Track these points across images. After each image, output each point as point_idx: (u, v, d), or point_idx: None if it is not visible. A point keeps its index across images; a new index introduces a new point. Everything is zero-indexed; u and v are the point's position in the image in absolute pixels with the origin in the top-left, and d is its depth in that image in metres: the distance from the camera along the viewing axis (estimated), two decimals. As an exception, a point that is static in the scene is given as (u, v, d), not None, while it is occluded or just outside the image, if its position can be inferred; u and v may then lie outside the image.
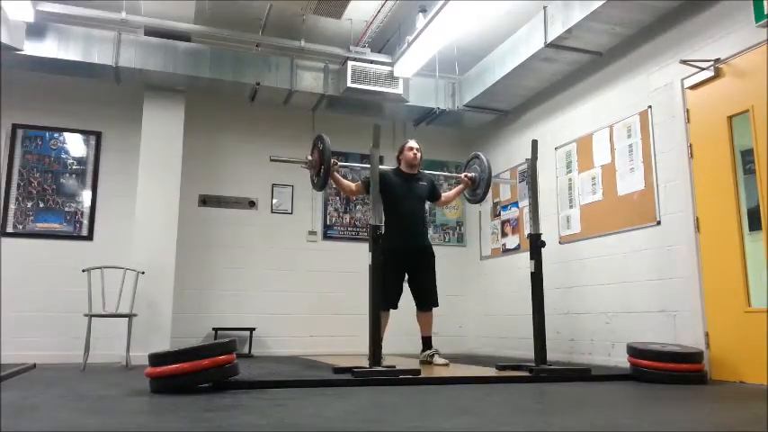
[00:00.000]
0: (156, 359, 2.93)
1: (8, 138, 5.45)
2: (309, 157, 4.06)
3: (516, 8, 4.92)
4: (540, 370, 3.75)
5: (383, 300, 3.81)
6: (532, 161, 4.27)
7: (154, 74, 5.21)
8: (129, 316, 4.67)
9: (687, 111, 3.95)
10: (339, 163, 4.18)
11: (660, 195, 4.13)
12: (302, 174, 6.28)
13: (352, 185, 4.46)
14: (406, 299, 4.46)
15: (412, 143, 4.53)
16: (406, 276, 4.45)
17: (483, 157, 4.55)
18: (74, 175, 5.61)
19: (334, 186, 4.55)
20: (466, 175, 4.61)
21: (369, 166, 3.98)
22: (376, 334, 3.63)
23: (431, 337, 4.50)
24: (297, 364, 4.61)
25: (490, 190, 6.39)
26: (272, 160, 4.28)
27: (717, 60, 3.72)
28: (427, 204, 4.83)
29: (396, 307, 4.32)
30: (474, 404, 2.64)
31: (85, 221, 5.56)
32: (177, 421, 2.08)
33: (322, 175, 3.95)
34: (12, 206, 5.39)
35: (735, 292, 3.52)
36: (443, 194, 4.74)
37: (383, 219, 3.87)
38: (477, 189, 4.58)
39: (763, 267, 3.36)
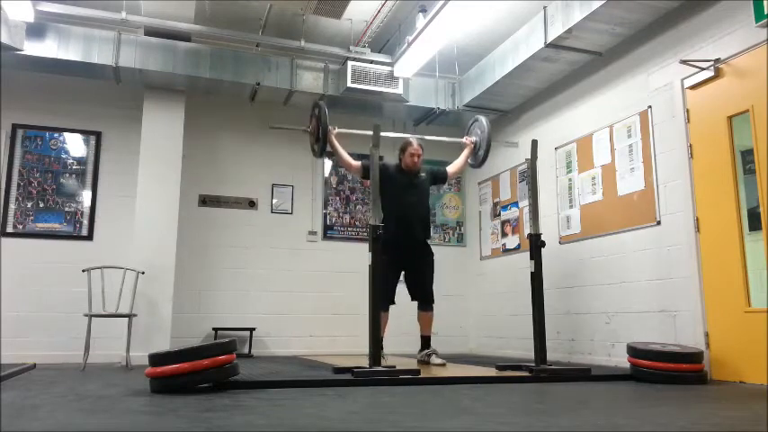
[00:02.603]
0: (156, 359, 2.93)
1: (8, 138, 5.45)
2: (309, 127, 4.16)
3: (516, 8, 4.92)
4: (540, 370, 3.75)
5: (382, 300, 3.82)
6: (532, 161, 4.27)
7: (154, 74, 5.21)
8: (129, 316, 4.67)
9: (687, 111, 3.95)
10: (337, 129, 4.19)
11: (660, 195, 4.13)
12: (302, 174, 6.34)
13: (352, 161, 4.37)
14: (406, 299, 4.46)
15: (414, 148, 4.46)
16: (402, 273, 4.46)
17: (482, 119, 4.63)
18: (74, 175, 5.61)
19: (335, 157, 4.49)
20: (468, 139, 4.68)
21: (371, 132, 3.92)
22: (376, 334, 3.64)
23: (430, 337, 4.50)
24: (297, 364, 4.62)
25: (490, 189, 6.44)
26: (271, 127, 4.37)
27: (717, 60, 3.72)
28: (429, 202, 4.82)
29: (393, 302, 4.32)
30: (474, 404, 2.64)
31: (85, 221, 5.56)
32: (177, 421, 2.08)
33: (321, 139, 4.03)
34: (12, 206, 5.39)
35: (735, 292, 3.52)
36: (450, 168, 4.72)
37: (383, 216, 3.88)
38: (479, 151, 4.65)
39: (763, 267, 3.36)
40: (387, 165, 4.43)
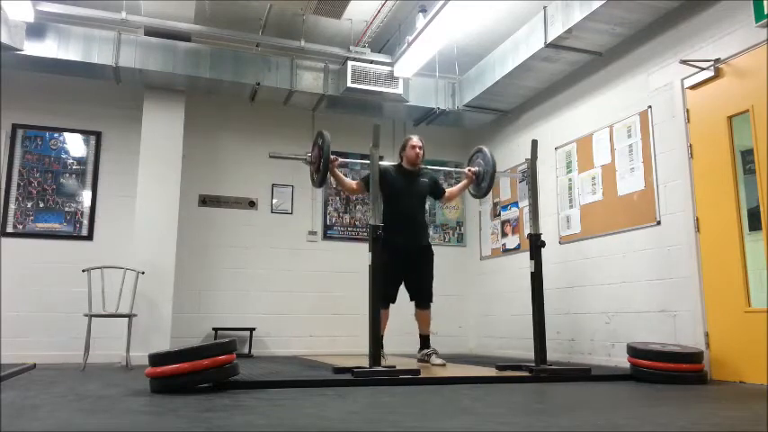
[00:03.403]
0: (156, 359, 2.93)
1: (8, 138, 5.46)
2: (309, 154, 4.10)
3: (516, 8, 4.92)
4: (540, 370, 3.75)
5: (382, 297, 3.82)
6: (532, 161, 4.27)
7: (154, 74, 5.21)
8: (129, 316, 4.67)
9: (687, 111, 3.95)
10: (339, 159, 4.19)
11: (660, 195, 4.13)
12: (302, 174, 6.31)
13: (353, 184, 4.44)
14: (406, 300, 4.46)
15: (415, 140, 4.45)
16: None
17: (486, 150, 4.52)
18: (74, 175, 5.61)
19: (335, 185, 4.52)
20: (470, 170, 4.58)
21: (369, 162, 3.97)
22: (376, 334, 3.63)
23: (429, 336, 4.49)
24: (297, 364, 4.61)
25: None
26: (271, 156, 4.32)
27: (717, 60, 3.72)
28: (428, 204, 4.81)
29: (394, 301, 4.32)
30: (474, 404, 2.64)
31: (85, 221, 5.56)
32: (177, 421, 2.08)
33: (321, 170, 3.99)
34: (12, 206, 5.39)
35: (735, 292, 3.52)
36: (447, 191, 4.68)
37: (383, 219, 3.87)
38: (482, 183, 4.54)
39: (763, 267, 3.36)
40: (386, 168, 4.38)
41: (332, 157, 3.99)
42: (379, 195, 3.88)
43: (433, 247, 4.55)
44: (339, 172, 4.28)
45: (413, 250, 4.38)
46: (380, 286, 3.72)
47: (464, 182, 4.65)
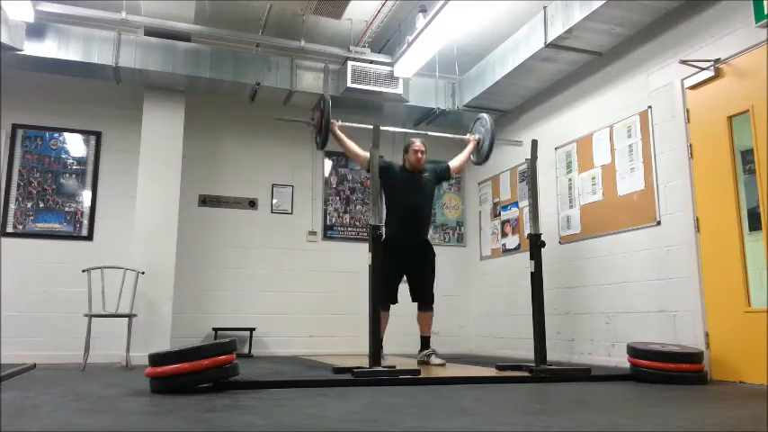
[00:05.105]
0: (156, 359, 2.93)
1: (8, 138, 5.45)
2: (314, 119, 4.26)
3: (516, 8, 4.92)
4: (539, 370, 3.75)
5: (383, 299, 3.82)
6: (532, 161, 4.27)
7: (154, 74, 5.21)
8: (129, 316, 4.67)
9: (687, 111, 3.95)
10: (340, 121, 4.27)
11: (660, 195, 4.13)
12: (302, 174, 6.33)
13: (359, 151, 4.34)
14: (406, 300, 4.46)
15: (417, 144, 4.48)
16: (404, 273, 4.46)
17: (485, 116, 4.65)
18: (74, 175, 5.61)
19: (341, 147, 4.42)
20: (471, 136, 4.69)
21: (372, 126, 3.99)
22: (376, 334, 3.64)
23: (429, 338, 4.50)
24: (297, 364, 4.61)
25: (490, 189, 6.44)
26: (275, 119, 4.47)
27: (717, 60, 3.72)
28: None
29: (395, 301, 4.32)
30: (474, 404, 2.64)
31: (85, 221, 5.55)
32: (177, 421, 2.08)
33: (323, 132, 4.11)
34: (12, 206, 5.39)
35: (735, 292, 3.52)
36: (452, 164, 4.69)
37: (383, 218, 3.89)
38: (483, 147, 4.65)
39: (763, 267, 3.36)
40: (392, 163, 4.49)
41: (332, 119, 4.13)
42: (380, 195, 3.90)
43: (433, 247, 4.56)
44: (343, 135, 4.29)
45: (414, 246, 4.39)
46: (381, 287, 3.73)
47: (469, 147, 4.70)
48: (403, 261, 4.34)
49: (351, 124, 4.36)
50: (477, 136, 4.69)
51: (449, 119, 6.27)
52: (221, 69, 5.37)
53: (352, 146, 4.36)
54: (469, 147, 4.70)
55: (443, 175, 4.67)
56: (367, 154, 4.18)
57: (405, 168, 4.53)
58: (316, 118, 4.30)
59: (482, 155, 4.68)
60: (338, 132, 4.26)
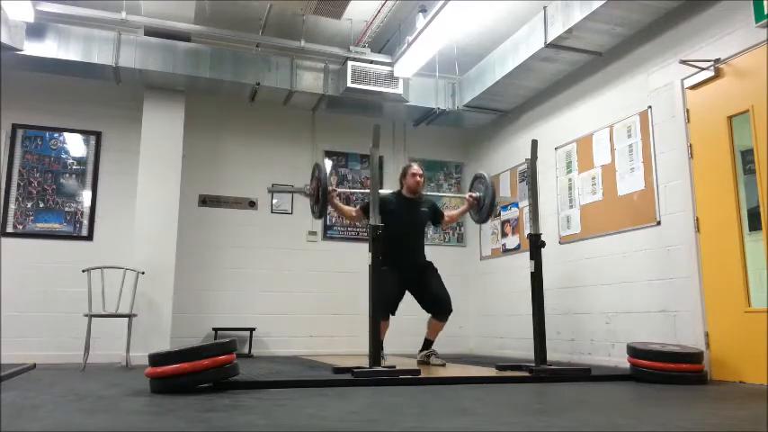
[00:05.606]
0: (156, 359, 2.93)
1: (8, 138, 5.46)
2: (309, 187, 4.18)
3: (516, 8, 4.92)
4: (539, 370, 3.75)
5: (382, 309, 3.82)
6: (532, 161, 4.26)
7: (154, 74, 5.21)
8: (129, 316, 4.67)
9: (687, 111, 3.95)
10: (338, 190, 4.26)
11: (660, 195, 4.13)
12: (302, 174, 6.32)
13: (353, 211, 4.49)
14: (406, 301, 4.45)
15: (415, 168, 4.48)
16: (407, 291, 4.44)
17: (486, 176, 4.59)
18: (74, 175, 5.61)
19: (336, 213, 4.53)
20: (471, 195, 4.61)
21: (368, 191, 4.01)
22: (376, 334, 3.63)
23: (433, 342, 4.51)
24: (297, 364, 4.62)
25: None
26: (270, 191, 4.40)
27: (717, 60, 3.72)
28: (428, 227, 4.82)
29: (394, 313, 4.32)
30: (474, 404, 2.64)
31: (85, 221, 5.56)
32: (177, 421, 2.08)
33: (320, 202, 4.06)
34: (12, 206, 5.39)
35: (735, 292, 3.52)
36: (446, 215, 4.72)
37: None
38: (483, 208, 4.58)
39: (763, 267, 3.36)
40: (386, 198, 4.38)
41: (330, 188, 4.09)
42: (379, 199, 3.88)
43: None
44: (338, 201, 4.32)
45: (413, 270, 4.39)
46: (381, 299, 3.71)
47: (464, 206, 4.70)
48: (404, 279, 4.32)
49: (345, 190, 4.57)
50: (476, 194, 4.61)
51: (449, 119, 6.27)
52: (221, 69, 5.37)
53: (348, 210, 4.51)
54: (466, 205, 4.65)
55: (437, 218, 4.65)
56: (359, 209, 4.43)
57: (401, 196, 4.50)
58: (311, 187, 4.16)
59: (483, 215, 4.61)
60: (335, 201, 4.26)
